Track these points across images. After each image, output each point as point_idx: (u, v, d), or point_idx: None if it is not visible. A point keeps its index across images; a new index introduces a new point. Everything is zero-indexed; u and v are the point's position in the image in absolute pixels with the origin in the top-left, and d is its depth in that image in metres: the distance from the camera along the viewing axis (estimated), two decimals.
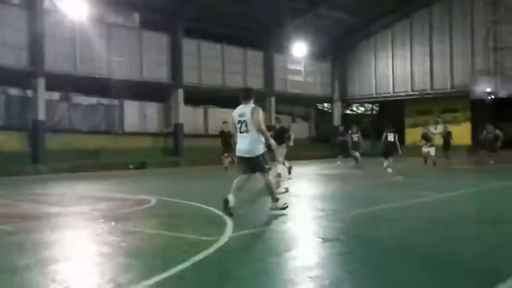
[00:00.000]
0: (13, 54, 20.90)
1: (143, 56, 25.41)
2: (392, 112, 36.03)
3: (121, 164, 22.71)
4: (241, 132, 7.64)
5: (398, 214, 8.26)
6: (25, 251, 5.57)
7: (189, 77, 27.21)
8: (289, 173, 15.18)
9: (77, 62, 22.87)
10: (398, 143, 17.59)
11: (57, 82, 22.61)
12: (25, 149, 21.63)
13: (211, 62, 28.62)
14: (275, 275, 4.49)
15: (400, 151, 17.78)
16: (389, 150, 17.26)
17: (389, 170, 16.54)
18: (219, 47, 29.08)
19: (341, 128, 26.77)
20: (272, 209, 7.74)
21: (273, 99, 31.60)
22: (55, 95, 23.55)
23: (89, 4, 21.24)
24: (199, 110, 29.67)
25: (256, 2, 26.86)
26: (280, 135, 15.02)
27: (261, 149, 7.64)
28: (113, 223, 7.30)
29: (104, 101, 25.33)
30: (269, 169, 7.87)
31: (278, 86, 32.20)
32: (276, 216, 7.53)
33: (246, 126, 7.52)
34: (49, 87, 22.01)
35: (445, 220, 7.44)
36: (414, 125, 33.56)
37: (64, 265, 5.03)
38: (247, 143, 7.58)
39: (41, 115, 21.57)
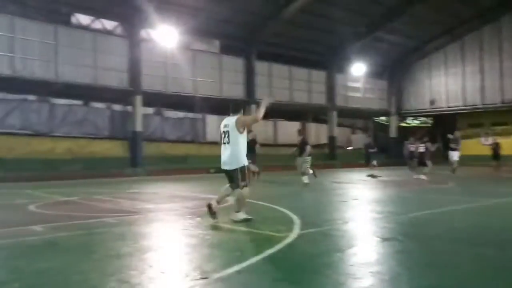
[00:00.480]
0: (117, 76, 21.89)
1: (223, 76, 25.88)
2: (445, 124, 34.52)
3: (204, 168, 23.13)
4: (223, 143, 6.94)
5: (450, 217, 7.90)
6: (127, 240, 5.79)
7: (261, 94, 27.40)
8: (315, 175, 14.32)
9: (167, 82, 23.64)
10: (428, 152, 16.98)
11: (151, 99, 23.48)
12: (125, 155, 22.48)
13: (280, 81, 28.72)
14: (339, 269, 4.44)
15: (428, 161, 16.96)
16: (421, 160, 16.82)
17: (423, 177, 15.94)
18: (287, 68, 29.12)
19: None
20: (232, 219, 6.85)
21: (335, 113, 31.23)
22: (150, 110, 24.45)
23: (177, 33, 21.91)
24: (269, 123, 29.79)
25: (321, 28, 26.72)
26: (302, 146, 13.93)
27: (240, 162, 6.79)
28: (198, 219, 7.43)
29: (190, 115, 26.01)
30: (245, 186, 6.79)
31: (339, 101, 31.73)
32: (339, 217, 7.41)
33: (228, 137, 6.81)
34: (145, 104, 22.86)
35: (494, 225, 7.03)
36: (466, 137, 31.96)
37: (158, 253, 5.20)
38: (227, 155, 6.87)
39: (139, 127, 22.43)
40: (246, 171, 6.89)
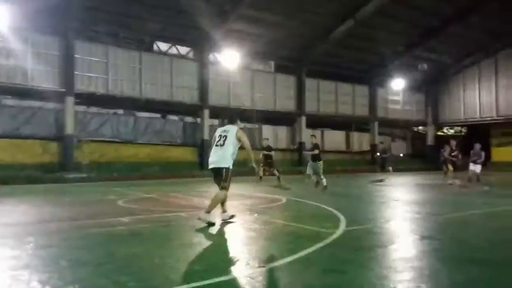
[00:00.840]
0: (188, 93, 22.51)
1: (276, 92, 25.93)
2: (479, 134, 32.62)
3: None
4: (216, 145, 6.61)
5: (485, 218, 7.46)
6: (197, 231, 5.90)
7: (310, 107, 27.25)
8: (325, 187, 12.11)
9: (230, 98, 24.02)
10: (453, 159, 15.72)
11: (216, 112, 23.88)
12: (195, 159, 22.97)
13: (327, 95, 28.39)
14: (381, 263, 4.31)
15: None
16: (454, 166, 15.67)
17: (457, 181, 14.89)
18: (333, 84, 28.72)
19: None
20: (199, 217, 6.39)
21: (376, 124, 30.52)
22: (215, 122, 24.89)
23: (239, 56, 22.21)
24: (317, 132, 29.45)
25: (364, 49, 26.19)
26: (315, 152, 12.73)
27: (228, 163, 6.54)
28: (256, 214, 7.48)
29: (248, 125, 26.19)
30: (225, 188, 6.50)
31: (380, 113, 30.93)
32: (380, 216, 7.19)
33: (224, 140, 6.53)
34: (211, 116, 23.27)
35: None
36: (499, 145, 30.17)
37: (223, 243, 5.27)
38: (217, 156, 6.56)
39: (206, 136, 22.88)
40: (230, 175, 6.56)
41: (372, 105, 30.32)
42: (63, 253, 4.60)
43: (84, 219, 7.17)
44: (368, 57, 27.66)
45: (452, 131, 37.92)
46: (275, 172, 15.05)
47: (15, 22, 15.65)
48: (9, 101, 18.70)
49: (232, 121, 6.93)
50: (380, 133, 31.16)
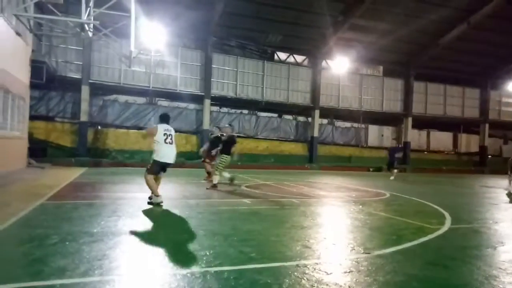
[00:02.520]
0: (302, 96, 22.63)
1: (384, 95, 24.49)
2: None
3: (364, 167, 22.30)
4: (169, 143, 6.40)
5: None
6: (307, 216, 5.89)
7: (417, 108, 25.11)
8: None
9: (339, 100, 23.45)
10: None
11: (326, 112, 23.61)
12: (305, 153, 23.09)
13: (435, 97, 25.82)
14: (489, 262, 3.76)
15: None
16: None
17: None
18: (442, 86, 25.98)
19: None
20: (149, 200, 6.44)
21: (487, 126, 26.90)
22: (325, 121, 24.60)
23: (349, 62, 21.53)
24: (423, 133, 27.06)
25: (476, 52, 23.13)
26: (227, 144, 9.54)
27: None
28: (360, 206, 7.20)
29: (355, 125, 25.30)
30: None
31: (491, 115, 27.06)
32: (489, 217, 6.30)
33: (171, 139, 6.46)
34: (321, 116, 23.10)
35: None
36: None
37: (330, 229, 5.17)
38: (175, 153, 6.53)
39: (316, 133, 22.78)
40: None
41: (483, 107, 26.67)
42: (200, 224, 5.03)
43: (216, 198, 7.75)
44: (480, 59, 24.36)
45: None
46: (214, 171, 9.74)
47: (169, 40, 17.54)
48: (163, 102, 21.18)
49: (167, 122, 6.71)
50: (490, 135, 27.35)
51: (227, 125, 11.71)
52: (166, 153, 6.41)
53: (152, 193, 6.43)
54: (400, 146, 18.44)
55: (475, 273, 3.39)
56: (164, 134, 6.40)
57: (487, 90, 26.73)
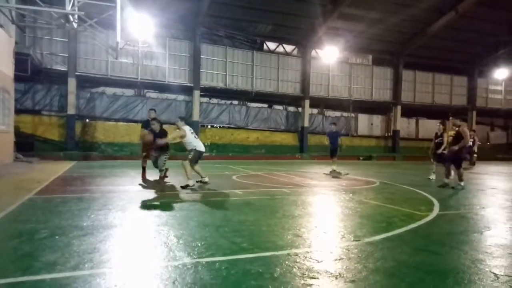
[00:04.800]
0: (291, 86, 22.61)
1: (374, 84, 24.64)
2: None
3: (354, 156, 22.49)
4: (196, 137, 8.14)
5: None
6: (298, 205, 5.92)
7: (406, 97, 25.36)
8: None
9: (329, 89, 23.51)
10: None
11: (316, 102, 23.65)
12: (296, 143, 23.19)
13: (423, 86, 26.10)
14: (476, 247, 3.85)
15: None
16: None
17: None
18: (430, 75, 26.25)
19: None
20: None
21: (474, 113, 27.25)
22: (315, 111, 24.64)
23: (338, 51, 21.55)
24: (412, 121, 27.34)
25: (463, 40, 23.34)
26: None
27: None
28: (350, 194, 7.28)
29: (345, 114, 25.40)
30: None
31: (479, 102, 27.45)
32: (476, 203, 6.43)
33: (196, 134, 8.36)
34: (311, 105, 23.13)
35: None
36: None
37: (321, 217, 5.21)
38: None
39: (306, 123, 22.85)
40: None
41: (471, 95, 27.07)
42: (191, 216, 5.03)
43: (207, 190, 7.73)
44: (468, 48, 24.63)
45: None
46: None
47: (156, 31, 17.28)
48: (152, 94, 20.93)
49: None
50: (478, 123, 27.80)
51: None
52: (201, 144, 8.03)
53: (188, 178, 7.69)
54: (338, 131, 13.45)
55: (462, 257, 3.46)
56: (191, 132, 7.93)
57: (475, 78, 27.08)
